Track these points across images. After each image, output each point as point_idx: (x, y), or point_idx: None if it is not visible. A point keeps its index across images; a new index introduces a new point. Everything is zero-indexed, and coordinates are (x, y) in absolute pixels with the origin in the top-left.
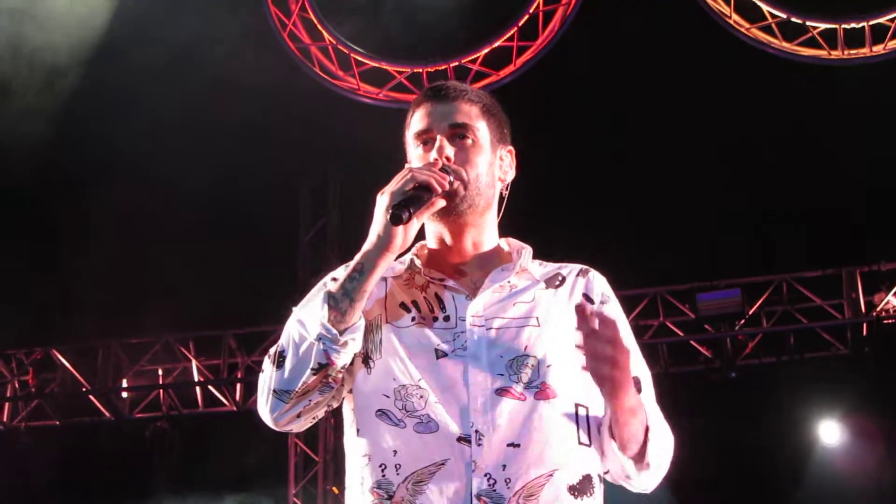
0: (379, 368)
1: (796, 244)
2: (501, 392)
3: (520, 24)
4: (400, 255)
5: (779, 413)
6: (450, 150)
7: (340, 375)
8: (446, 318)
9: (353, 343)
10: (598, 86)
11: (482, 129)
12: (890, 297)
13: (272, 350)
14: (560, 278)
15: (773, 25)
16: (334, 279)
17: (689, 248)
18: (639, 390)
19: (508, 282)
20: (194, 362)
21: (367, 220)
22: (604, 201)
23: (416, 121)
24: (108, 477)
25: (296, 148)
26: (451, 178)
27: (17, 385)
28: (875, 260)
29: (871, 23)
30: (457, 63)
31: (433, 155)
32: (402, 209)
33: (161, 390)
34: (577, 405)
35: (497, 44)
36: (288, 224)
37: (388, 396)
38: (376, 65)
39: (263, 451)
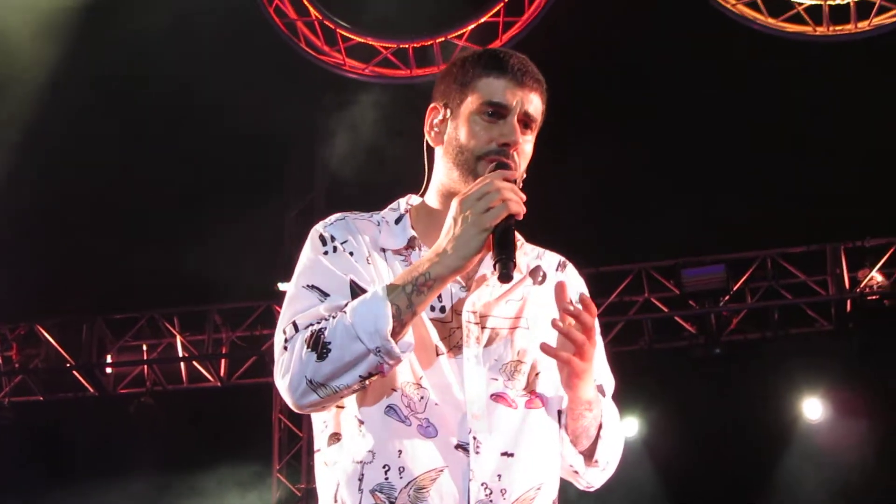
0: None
1: (781, 220)
2: (496, 398)
3: (506, 0)
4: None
5: (763, 389)
6: (521, 139)
7: None
8: (441, 310)
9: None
10: (582, 60)
11: (539, 120)
12: (874, 273)
13: (304, 327)
14: (542, 274)
15: (759, 1)
16: (396, 285)
17: (673, 224)
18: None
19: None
20: (178, 338)
21: (353, 195)
22: (589, 176)
23: (493, 89)
24: (92, 452)
25: (283, 122)
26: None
27: (0, 360)
28: (859, 236)
29: None
30: (443, 38)
31: (505, 133)
32: (511, 264)
33: (145, 366)
34: (558, 412)
35: (483, 19)
36: (274, 199)
37: (395, 391)
38: (362, 40)
39: (247, 427)
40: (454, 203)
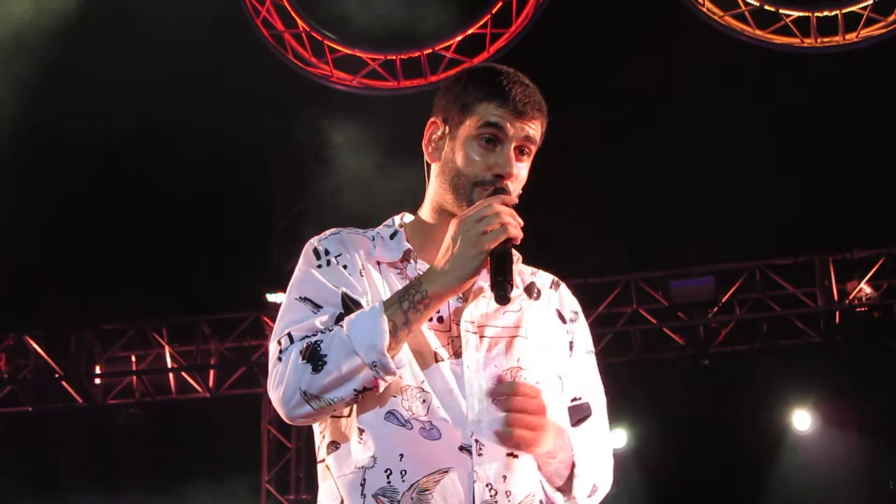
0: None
1: (769, 231)
2: (497, 403)
3: (493, 12)
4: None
5: (751, 400)
6: (516, 168)
7: None
8: (440, 320)
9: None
10: (571, 72)
11: (537, 145)
12: (863, 284)
13: (299, 338)
14: (536, 290)
15: (747, 13)
16: (392, 301)
17: (662, 236)
18: (587, 415)
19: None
20: (167, 349)
21: (341, 208)
22: (578, 188)
23: (491, 112)
24: (81, 463)
25: (271, 135)
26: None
27: None
28: (847, 248)
29: (845, 11)
30: (430, 50)
31: (499, 164)
32: (508, 286)
33: (134, 377)
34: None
35: (471, 31)
36: (262, 211)
37: (395, 396)
38: (350, 52)
39: (236, 438)
40: (453, 223)
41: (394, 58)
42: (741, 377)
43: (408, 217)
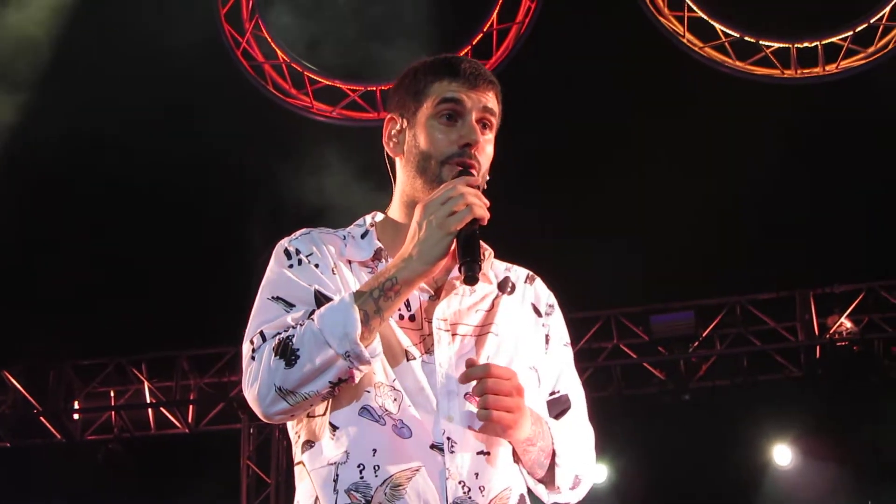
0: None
1: (750, 266)
2: (470, 398)
3: (474, 43)
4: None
5: (732, 435)
6: (480, 137)
7: None
8: (411, 318)
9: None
10: (550, 103)
11: (497, 119)
12: (843, 319)
13: (272, 336)
14: (511, 284)
15: (727, 44)
16: (363, 291)
17: (642, 270)
18: (567, 408)
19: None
20: (146, 384)
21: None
22: (557, 221)
23: (445, 88)
24: (62, 499)
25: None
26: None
27: None
28: (828, 282)
29: (824, 42)
30: None
31: (464, 134)
32: (476, 266)
33: (113, 412)
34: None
35: None
36: (242, 246)
37: (368, 392)
38: (330, 83)
39: (216, 474)
40: (418, 208)
41: (374, 88)
42: (722, 412)
43: (379, 216)
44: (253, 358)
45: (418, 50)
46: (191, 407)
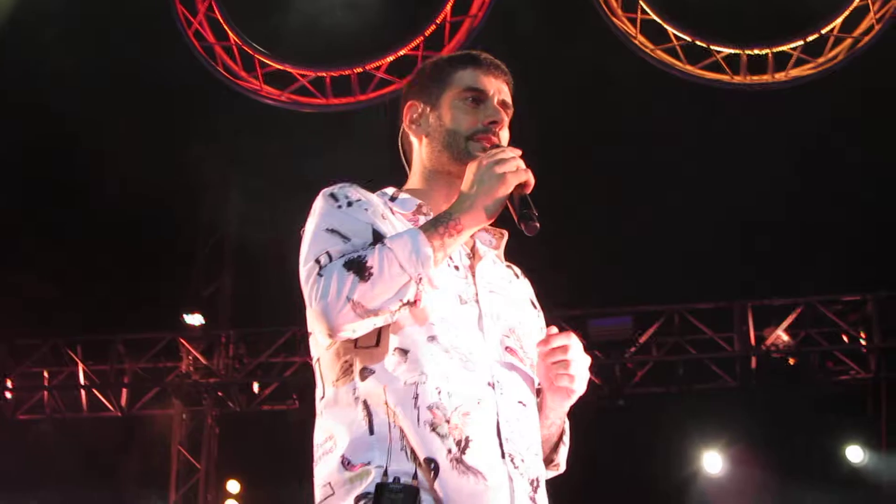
0: (424, 297)
1: (689, 276)
2: (510, 350)
3: (426, 34)
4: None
5: (665, 442)
6: (504, 116)
7: None
8: (456, 268)
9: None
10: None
11: (511, 112)
12: (779, 331)
13: (338, 256)
14: (513, 272)
15: (678, 48)
16: (427, 226)
17: (582, 274)
18: None
19: (498, 256)
20: (81, 366)
21: (266, 237)
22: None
23: (469, 78)
24: None
25: (195, 156)
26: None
27: None
28: (766, 295)
29: (775, 50)
30: (361, 69)
31: (490, 114)
32: (535, 214)
33: (46, 392)
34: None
35: (402, 52)
36: (185, 232)
37: (433, 324)
38: (280, 67)
39: (146, 458)
40: (471, 165)
41: (324, 75)
42: (655, 419)
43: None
44: (321, 275)
45: (371, 38)
46: (124, 390)
